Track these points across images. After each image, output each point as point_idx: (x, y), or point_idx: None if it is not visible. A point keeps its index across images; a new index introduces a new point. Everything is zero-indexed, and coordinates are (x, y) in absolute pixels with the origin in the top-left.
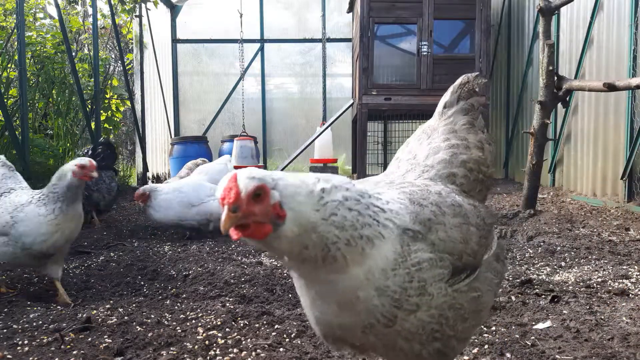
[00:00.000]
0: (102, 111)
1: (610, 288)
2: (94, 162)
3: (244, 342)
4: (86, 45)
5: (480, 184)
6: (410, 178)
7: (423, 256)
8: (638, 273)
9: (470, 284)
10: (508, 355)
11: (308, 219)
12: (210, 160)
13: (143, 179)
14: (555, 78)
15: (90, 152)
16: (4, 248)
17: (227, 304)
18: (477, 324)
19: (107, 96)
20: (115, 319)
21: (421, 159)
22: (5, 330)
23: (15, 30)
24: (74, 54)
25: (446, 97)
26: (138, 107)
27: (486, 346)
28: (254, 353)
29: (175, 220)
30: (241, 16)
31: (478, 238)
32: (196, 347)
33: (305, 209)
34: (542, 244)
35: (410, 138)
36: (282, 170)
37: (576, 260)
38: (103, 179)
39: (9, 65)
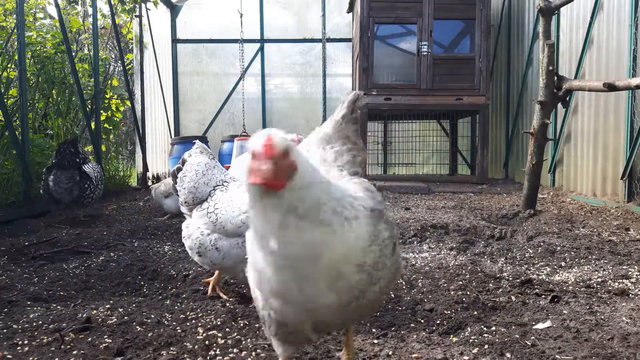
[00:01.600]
0: (102, 111)
1: (610, 288)
2: None
3: (244, 342)
4: (86, 45)
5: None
6: (334, 175)
7: (385, 234)
8: (638, 273)
9: (397, 249)
10: (508, 355)
11: (309, 178)
12: None
13: (143, 179)
14: (555, 78)
15: (55, 153)
16: (236, 250)
17: (227, 304)
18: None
19: (107, 96)
20: (115, 319)
21: (331, 161)
22: (5, 330)
23: (15, 30)
24: (74, 54)
25: (343, 110)
26: (138, 107)
27: (486, 346)
28: (254, 353)
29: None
30: (241, 16)
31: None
32: (196, 347)
33: (306, 169)
34: (542, 244)
35: (309, 145)
36: None
37: (576, 260)
38: (60, 179)
39: (9, 65)
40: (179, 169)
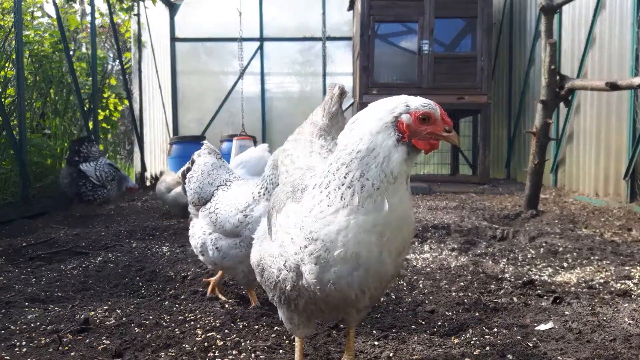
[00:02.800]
0: (100, 110)
1: (612, 289)
2: None
3: (243, 343)
4: (84, 44)
5: None
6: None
7: None
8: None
9: None
10: (510, 356)
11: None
12: None
13: (141, 179)
14: (558, 77)
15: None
16: (235, 250)
17: (226, 305)
18: None
19: (105, 95)
20: (114, 320)
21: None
22: (2, 332)
23: (13, 29)
24: (71, 52)
25: (335, 106)
26: (136, 106)
27: (487, 348)
28: (253, 355)
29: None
30: (240, 15)
31: None
32: (195, 348)
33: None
34: (544, 244)
35: (311, 136)
36: None
37: (578, 261)
38: (63, 175)
39: (7, 65)
40: (188, 169)
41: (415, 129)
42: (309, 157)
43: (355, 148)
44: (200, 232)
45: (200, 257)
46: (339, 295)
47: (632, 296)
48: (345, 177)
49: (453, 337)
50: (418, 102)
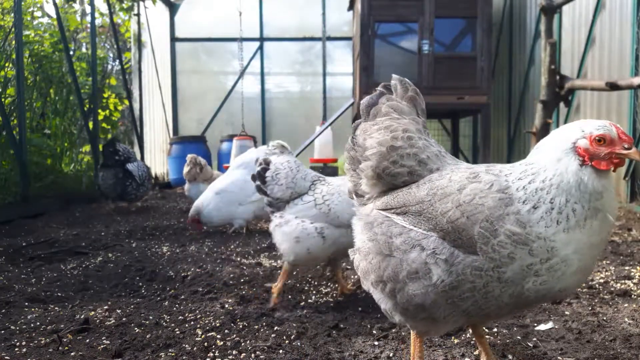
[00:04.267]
0: (100, 110)
1: (612, 289)
2: None
3: (243, 343)
4: (84, 44)
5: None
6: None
7: None
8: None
9: None
10: (510, 356)
11: None
12: (209, 161)
13: None
14: (558, 77)
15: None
16: (343, 239)
17: (226, 305)
18: None
19: (105, 95)
20: (114, 320)
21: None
22: (3, 332)
23: (13, 29)
24: (71, 52)
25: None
26: (136, 106)
27: None
28: (253, 355)
29: (228, 220)
30: (240, 14)
31: None
32: (195, 348)
33: None
34: None
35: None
36: None
37: None
38: (106, 177)
39: (7, 64)
40: (265, 170)
41: (594, 152)
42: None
43: (546, 176)
44: (296, 222)
45: (288, 245)
46: (547, 299)
47: (632, 296)
48: (551, 202)
49: (453, 337)
50: (592, 126)
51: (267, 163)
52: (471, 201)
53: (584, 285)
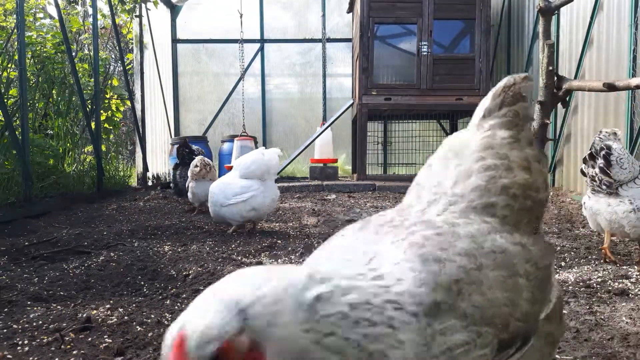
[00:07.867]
0: (102, 111)
1: (610, 288)
2: None
3: None
4: (86, 45)
5: (528, 213)
6: (431, 214)
7: (453, 338)
8: (638, 273)
9: None
10: None
11: (295, 345)
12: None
13: (143, 179)
14: (555, 78)
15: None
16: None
17: None
18: None
19: (107, 96)
20: (115, 319)
21: (448, 186)
22: (5, 330)
23: (16, 30)
24: (74, 54)
25: (486, 102)
26: (138, 107)
27: None
28: None
29: (220, 219)
30: (241, 16)
31: (530, 293)
32: None
33: (290, 332)
34: None
35: (433, 157)
36: (281, 170)
37: (576, 260)
38: (184, 174)
39: (9, 65)
40: (609, 154)
41: None
42: None
43: None
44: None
45: (608, 223)
46: None
47: (630, 295)
48: None
49: None
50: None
51: (609, 148)
52: None
53: (582, 284)
